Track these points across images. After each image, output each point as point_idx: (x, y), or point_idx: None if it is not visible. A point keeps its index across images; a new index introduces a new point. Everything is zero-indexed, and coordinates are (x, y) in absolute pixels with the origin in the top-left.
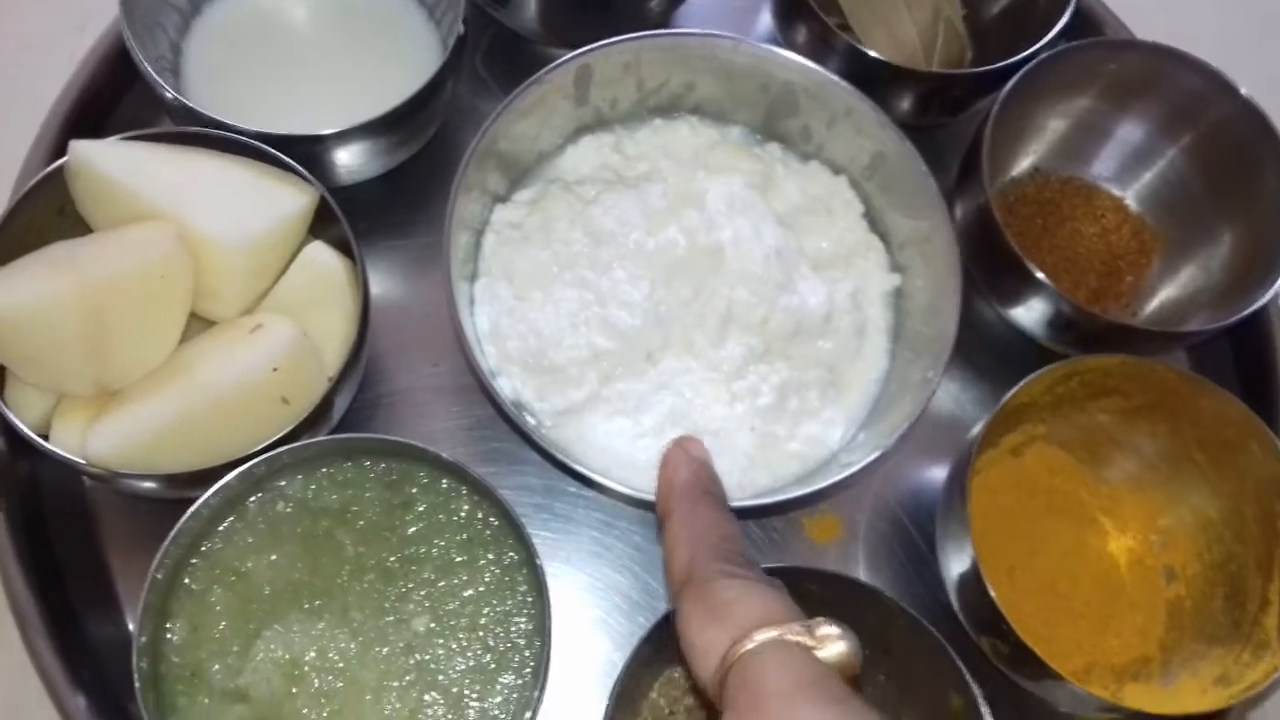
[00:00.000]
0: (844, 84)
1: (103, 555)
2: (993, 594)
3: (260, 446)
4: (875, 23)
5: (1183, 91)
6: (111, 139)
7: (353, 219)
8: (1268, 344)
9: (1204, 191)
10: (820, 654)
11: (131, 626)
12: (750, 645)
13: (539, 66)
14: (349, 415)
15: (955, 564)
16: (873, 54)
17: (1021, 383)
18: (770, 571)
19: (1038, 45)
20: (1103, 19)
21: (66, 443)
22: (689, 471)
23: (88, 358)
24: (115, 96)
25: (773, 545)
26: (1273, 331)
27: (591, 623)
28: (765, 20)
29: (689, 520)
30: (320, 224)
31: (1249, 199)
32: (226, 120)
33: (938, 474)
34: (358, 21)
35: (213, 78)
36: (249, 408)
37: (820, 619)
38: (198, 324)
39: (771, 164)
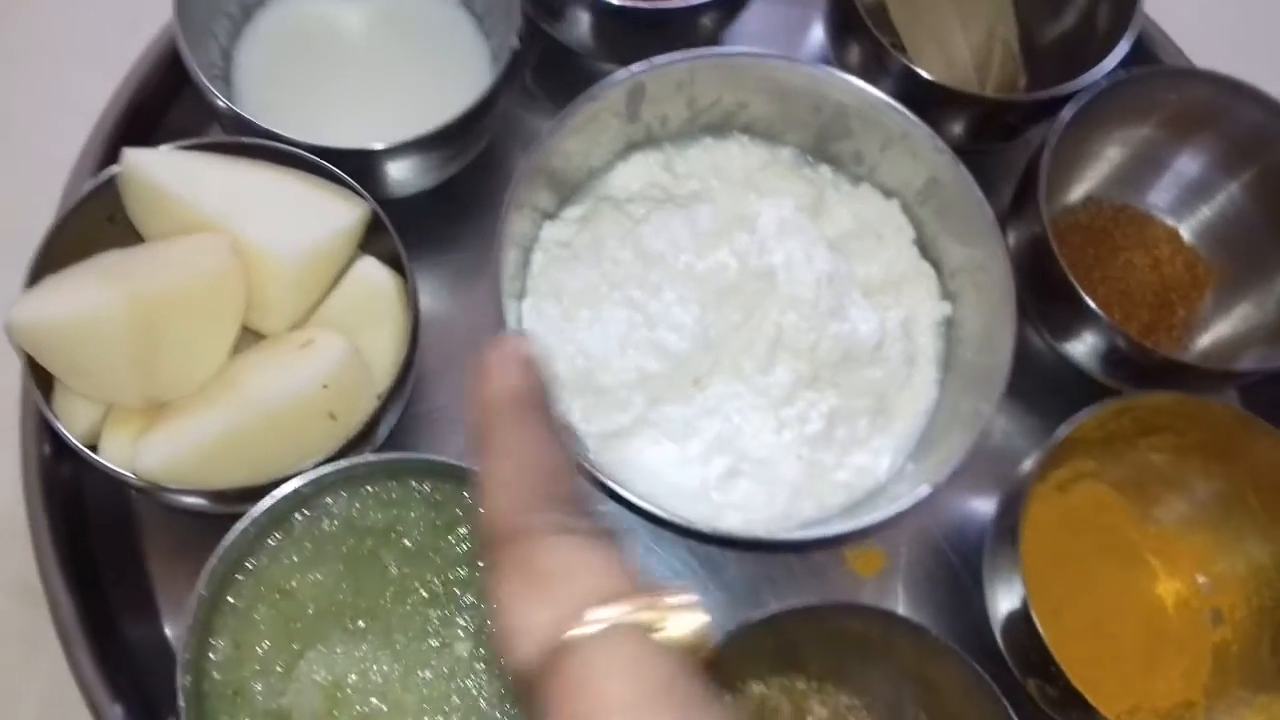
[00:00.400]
0: (899, 107)
1: (144, 562)
2: (1045, 638)
3: (309, 464)
4: (928, 42)
5: (1245, 125)
6: (165, 148)
7: (399, 232)
8: None
9: (1263, 227)
10: (668, 635)
11: (170, 635)
12: (583, 631)
13: (587, 80)
14: (393, 431)
15: (1003, 603)
16: (928, 76)
17: (1075, 419)
18: (810, 610)
19: (1097, 72)
20: (1161, 46)
21: (115, 455)
22: (517, 378)
23: (138, 369)
24: (165, 103)
25: (812, 576)
26: None
27: None
28: (815, 38)
29: (513, 448)
30: (370, 238)
31: None
32: (278, 130)
33: (982, 506)
34: (408, 31)
35: (263, 85)
36: (298, 424)
37: (666, 586)
38: (247, 336)
39: (823, 186)
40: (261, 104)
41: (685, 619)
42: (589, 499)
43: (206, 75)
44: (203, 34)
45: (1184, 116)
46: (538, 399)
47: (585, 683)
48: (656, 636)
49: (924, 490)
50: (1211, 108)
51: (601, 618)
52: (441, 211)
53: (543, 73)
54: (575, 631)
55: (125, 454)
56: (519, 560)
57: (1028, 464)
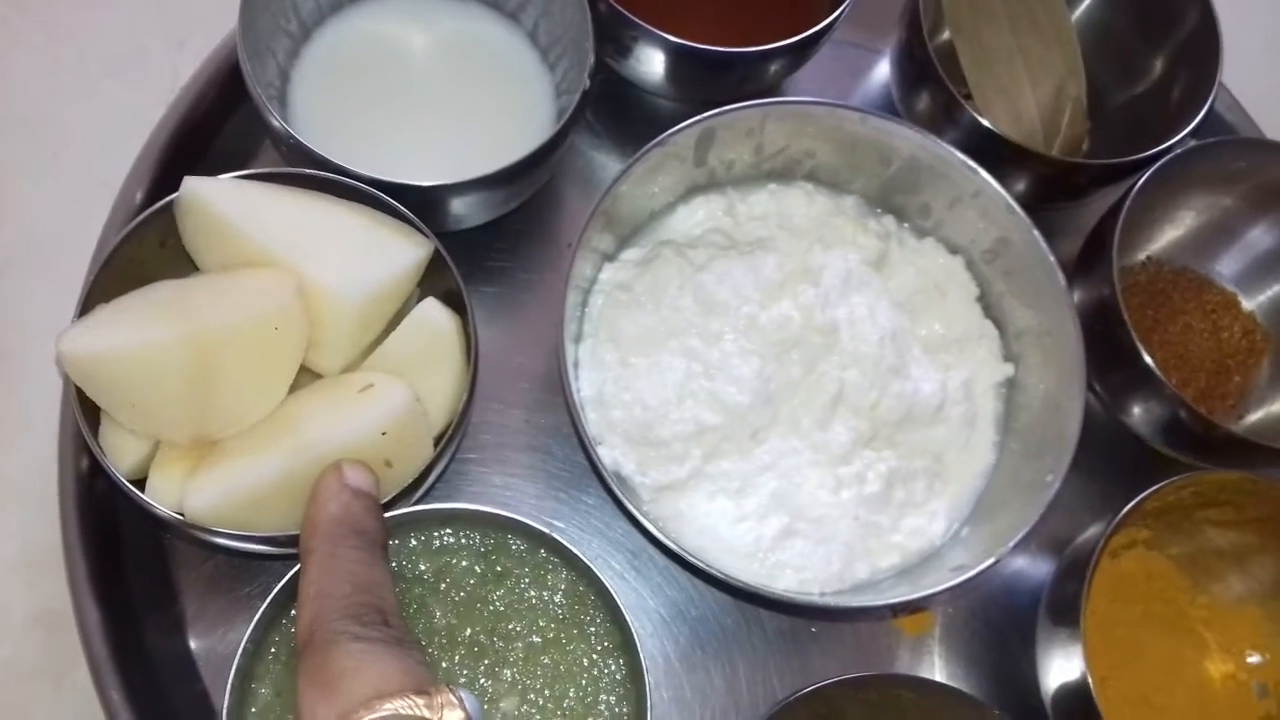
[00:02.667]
0: (973, 165)
1: (178, 595)
2: (1102, 713)
3: None
4: (997, 95)
5: None
6: (225, 177)
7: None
8: None
9: None
10: None
11: (203, 671)
12: None
13: (648, 116)
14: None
15: (1057, 672)
16: (1001, 132)
17: (1142, 495)
18: (863, 681)
19: (1170, 139)
20: (1234, 115)
21: (163, 494)
22: (338, 505)
23: (191, 406)
24: (219, 123)
25: (855, 632)
26: None
27: (674, 703)
28: (878, 80)
29: (325, 567)
30: (427, 273)
31: None
32: (336, 158)
33: (1031, 568)
34: (470, 57)
35: (320, 107)
36: None
37: (445, 687)
38: (302, 374)
39: (887, 239)
40: (318, 126)
41: (454, 714)
42: (398, 613)
43: (265, 95)
44: (263, 53)
45: (1259, 189)
46: (358, 522)
47: None
48: None
49: (989, 561)
50: None
51: (380, 713)
52: (496, 245)
53: (603, 105)
54: None
55: (173, 493)
56: (316, 667)
57: (1091, 532)
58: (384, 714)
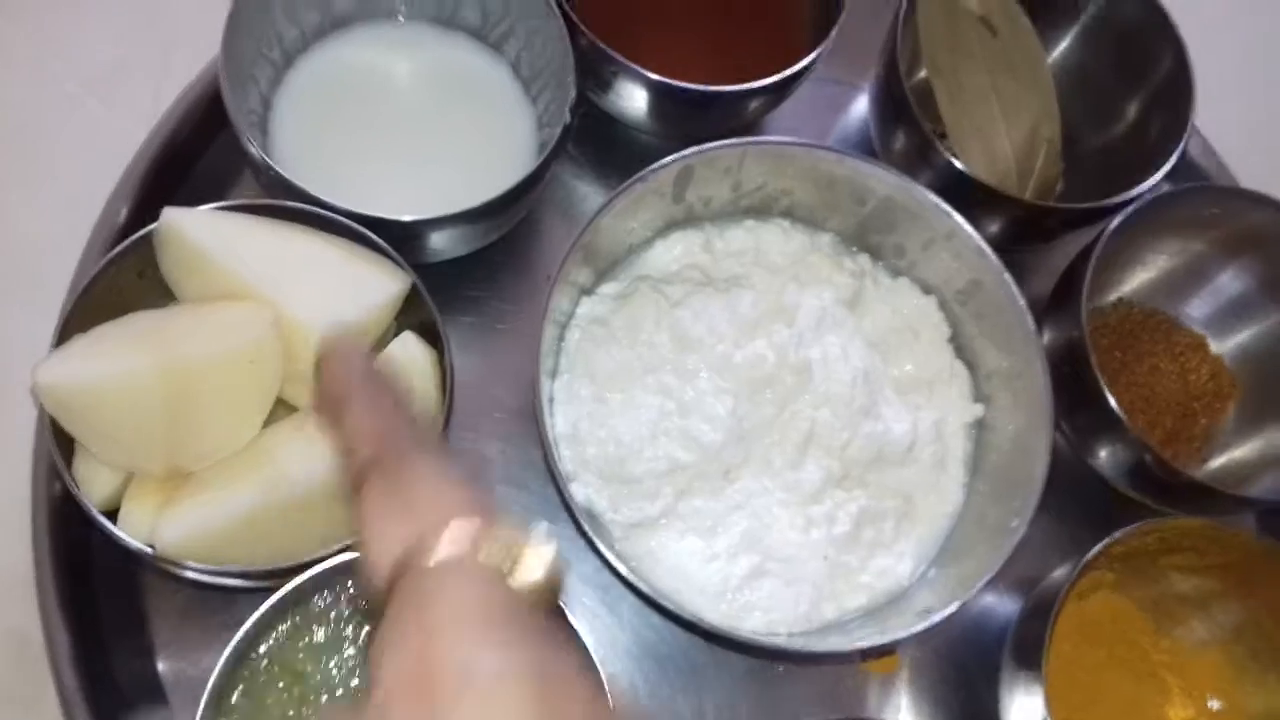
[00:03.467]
0: (947, 208)
1: (148, 624)
2: None
3: (335, 545)
4: (972, 135)
5: None
6: (204, 208)
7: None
8: None
9: None
10: (520, 573)
11: (173, 700)
12: (433, 557)
13: (629, 149)
14: None
15: (1018, 715)
16: (974, 175)
17: (1106, 541)
18: None
19: (1143, 185)
20: (1207, 162)
21: (135, 526)
22: (360, 359)
23: (165, 439)
24: (201, 148)
25: (824, 677)
26: None
27: None
28: (857, 115)
29: (372, 406)
30: (405, 304)
31: None
32: (317, 188)
33: (1002, 607)
34: (451, 88)
35: (301, 135)
36: (326, 506)
37: (520, 532)
38: (277, 406)
39: (862, 278)
40: (299, 155)
41: (531, 567)
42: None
43: (245, 123)
44: (244, 79)
45: (1230, 235)
46: (385, 376)
47: (424, 599)
48: (508, 574)
49: (954, 606)
50: (1261, 231)
51: (453, 543)
52: (475, 275)
53: (585, 137)
54: (428, 556)
55: (145, 525)
56: (386, 477)
57: (1056, 575)
58: (461, 534)
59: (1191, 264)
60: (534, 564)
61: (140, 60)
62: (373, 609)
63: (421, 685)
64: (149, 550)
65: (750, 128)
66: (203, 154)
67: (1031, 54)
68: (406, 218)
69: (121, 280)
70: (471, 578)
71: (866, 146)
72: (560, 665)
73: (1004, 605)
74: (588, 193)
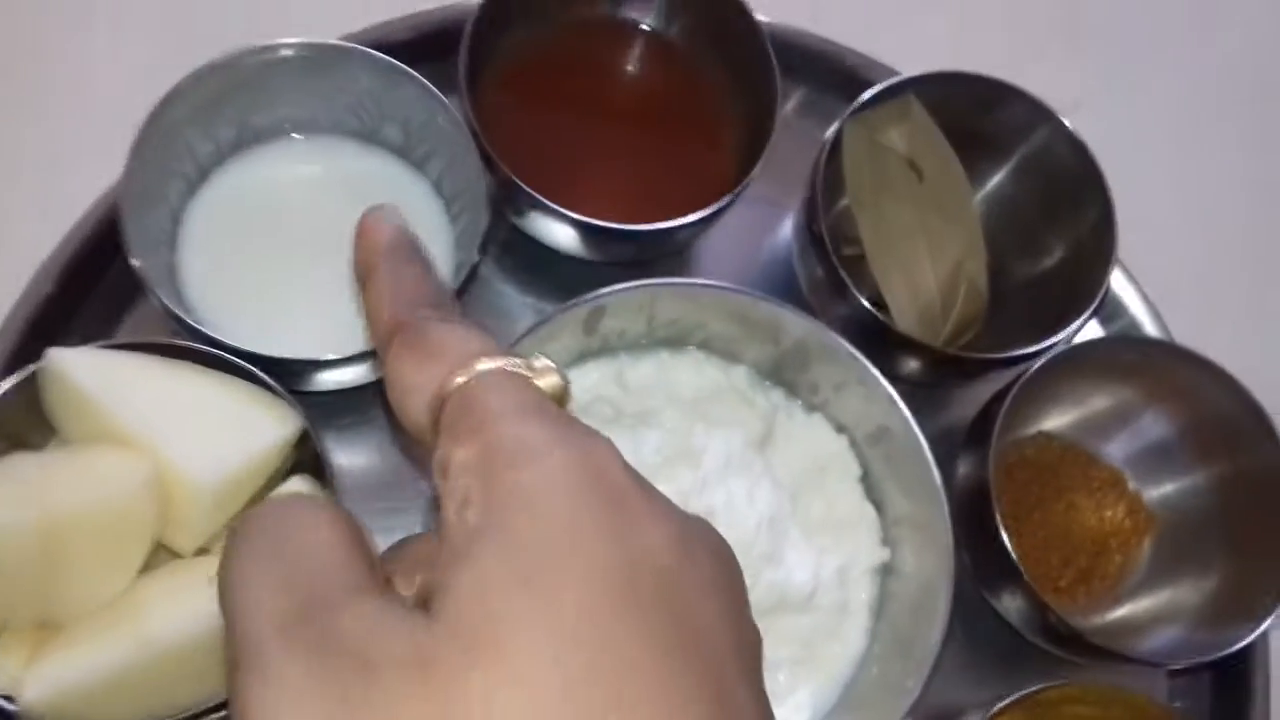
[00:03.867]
0: (856, 353)
1: None
2: None
3: (209, 704)
4: (895, 268)
5: (1220, 416)
6: (90, 349)
7: (338, 415)
8: (1247, 688)
9: (1218, 519)
10: (538, 383)
11: None
12: (469, 375)
13: (551, 264)
14: None
15: None
16: (886, 321)
17: (1008, 700)
18: None
19: (1065, 331)
20: (1133, 305)
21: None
22: (392, 232)
23: (37, 590)
24: (103, 265)
25: None
26: (1253, 676)
27: None
28: (784, 241)
29: (394, 275)
30: (305, 440)
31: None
32: (220, 315)
33: None
34: (369, 201)
35: (209, 254)
36: (199, 662)
37: (534, 355)
38: (159, 549)
39: (774, 414)
40: (205, 275)
41: (552, 376)
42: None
43: (152, 241)
44: (153, 198)
45: (1156, 386)
46: (415, 246)
47: (474, 405)
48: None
49: None
50: (1185, 384)
51: (486, 366)
52: (380, 402)
53: (510, 250)
54: (464, 377)
55: (9, 679)
56: (410, 341)
57: None
58: (490, 367)
59: (1114, 406)
60: (550, 375)
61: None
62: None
63: (481, 465)
64: (12, 709)
65: (678, 252)
66: (105, 273)
67: (958, 193)
68: (306, 356)
69: (10, 413)
70: (510, 381)
71: (792, 272)
72: (594, 439)
73: None
74: (515, 295)
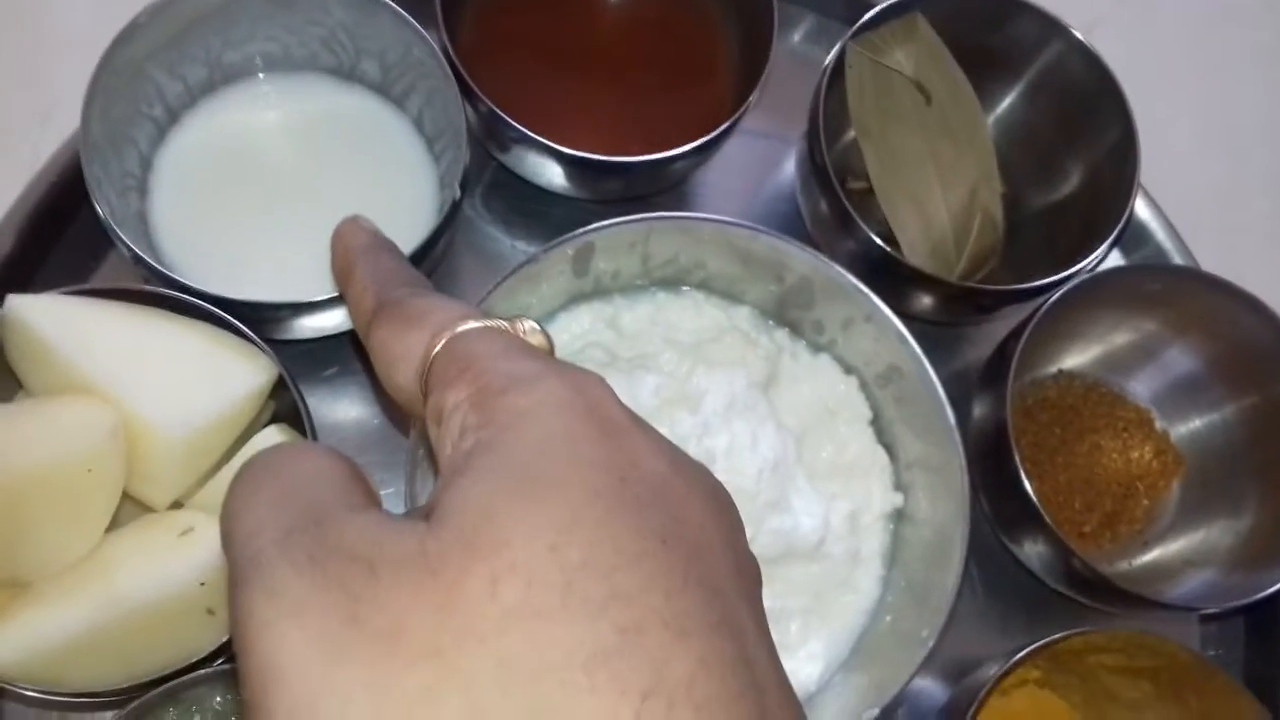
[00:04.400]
0: (864, 289)
1: None
2: None
3: (182, 664)
4: (905, 200)
5: (1252, 343)
6: (52, 294)
7: (319, 367)
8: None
9: (1245, 453)
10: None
11: None
12: (454, 333)
13: (539, 207)
14: None
15: None
16: (895, 254)
17: (1026, 649)
18: None
19: (1085, 261)
20: (1156, 232)
21: None
22: (366, 235)
23: (1, 549)
24: (72, 211)
25: None
26: None
27: None
28: (786, 176)
29: (372, 267)
30: (278, 390)
31: None
32: (193, 261)
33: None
34: (349, 143)
35: (182, 199)
36: (171, 621)
37: (518, 318)
38: (130, 504)
39: (779, 355)
40: (177, 225)
41: (537, 336)
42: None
43: (120, 186)
44: (120, 142)
45: (1181, 316)
46: (385, 244)
47: (460, 353)
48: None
49: (872, 713)
50: (1213, 314)
51: (470, 325)
52: (359, 351)
53: (491, 195)
54: (448, 336)
55: None
56: (392, 315)
57: (978, 675)
58: (475, 326)
59: (1136, 340)
60: (535, 336)
61: (15, 116)
62: (413, 418)
63: (474, 397)
64: None
65: (674, 187)
66: (74, 219)
67: (970, 116)
68: (280, 299)
69: None
70: (495, 332)
71: (795, 208)
72: (586, 374)
73: (930, 689)
74: (502, 237)
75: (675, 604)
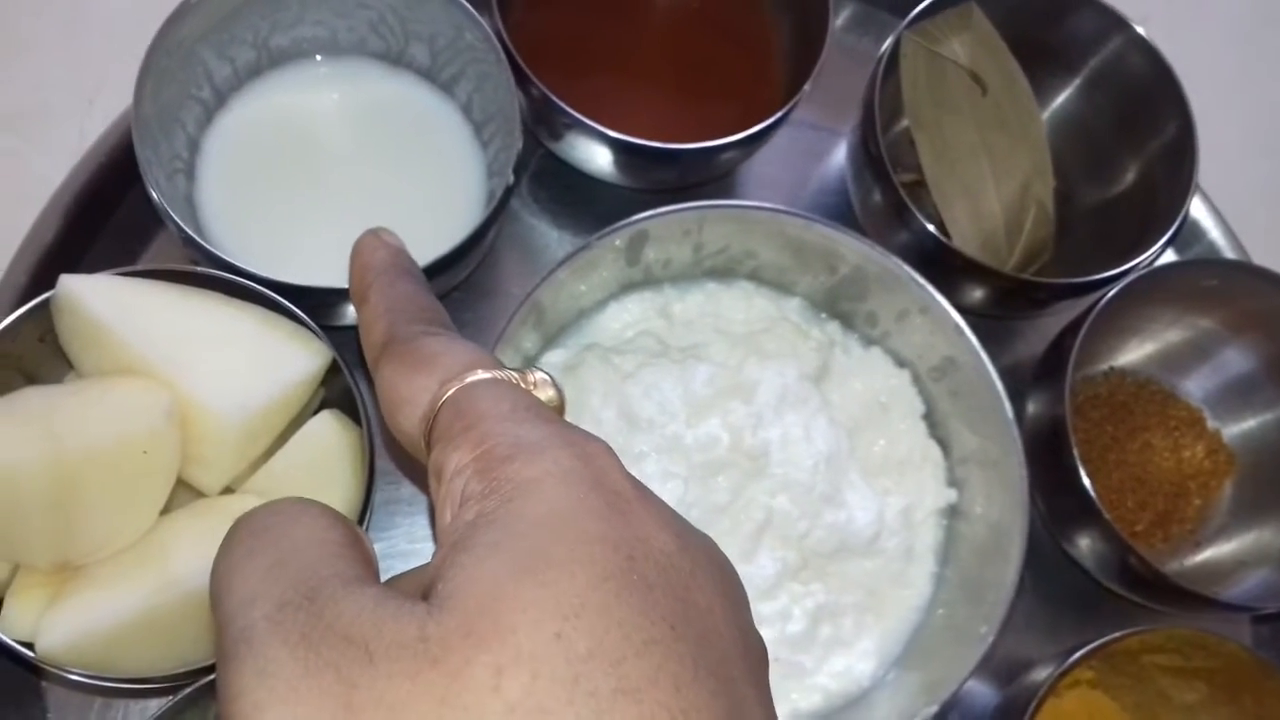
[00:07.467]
0: (920, 280)
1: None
2: None
3: None
4: (958, 192)
5: None
6: (105, 275)
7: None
8: None
9: None
10: (535, 395)
11: None
12: (462, 384)
13: (587, 194)
14: None
15: None
16: (950, 244)
17: (1080, 652)
18: None
19: (1141, 256)
20: (1210, 230)
21: (18, 625)
22: (387, 253)
23: (52, 530)
24: (118, 197)
25: None
26: None
27: None
28: (835, 168)
29: (387, 293)
30: (330, 375)
31: None
32: (242, 244)
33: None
34: (395, 128)
35: (230, 183)
36: None
37: (530, 368)
38: (182, 489)
39: (830, 348)
40: (226, 205)
41: (548, 390)
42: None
43: (169, 169)
44: (169, 125)
45: (1238, 313)
46: (407, 265)
47: (466, 409)
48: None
49: (929, 711)
50: (1270, 311)
51: (479, 376)
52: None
53: (540, 181)
54: (457, 386)
55: (29, 624)
56: (402, 355)
57: (1032, 677)
58: (484, 378)
59: (1191, 337)
60: (546, 389)
61: (64, 99)
62: (414, 464)
63: (477, 463)
64: (29, 654)
65: (723, 177)
66: (121, 203)
67: (1024, 108)
68: (331, 284)
69: (20, 346)
70: (503, 386)
71: (845, 199)
72: (592, 441)
73: (978, 690)
74: (548, 230)
75: (685, 697)
